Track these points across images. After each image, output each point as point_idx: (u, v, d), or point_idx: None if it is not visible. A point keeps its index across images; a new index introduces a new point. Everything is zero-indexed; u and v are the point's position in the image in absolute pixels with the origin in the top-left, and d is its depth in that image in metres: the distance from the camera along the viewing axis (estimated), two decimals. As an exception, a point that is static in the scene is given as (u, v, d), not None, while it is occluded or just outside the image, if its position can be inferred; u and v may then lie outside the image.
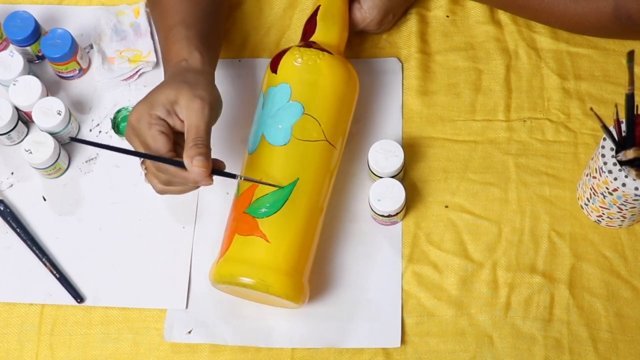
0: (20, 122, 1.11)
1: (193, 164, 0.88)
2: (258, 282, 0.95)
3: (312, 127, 1.00)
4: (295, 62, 1.02)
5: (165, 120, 0.91)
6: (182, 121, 0.92)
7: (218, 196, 1.05)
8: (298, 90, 1.01)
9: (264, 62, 1.13)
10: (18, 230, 1.08)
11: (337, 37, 1.07)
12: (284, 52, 1.05)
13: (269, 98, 1.03)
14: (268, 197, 0.97)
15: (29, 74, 1.12)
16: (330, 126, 1.01)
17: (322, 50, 1.04)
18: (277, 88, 1.02)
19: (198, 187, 0.94)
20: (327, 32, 1.07)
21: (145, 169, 0.95)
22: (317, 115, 1.00)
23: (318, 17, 1.08)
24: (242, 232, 0.97)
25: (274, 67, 1.04)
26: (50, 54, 1.11)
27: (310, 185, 0.99)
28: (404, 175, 1.08)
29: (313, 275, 1.04)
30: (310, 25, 1.08)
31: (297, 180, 0.98)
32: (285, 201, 0.97)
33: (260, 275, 0.95)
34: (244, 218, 0.97)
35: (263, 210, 0.97)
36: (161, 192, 0.95)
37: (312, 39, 1.07)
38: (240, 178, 0.95)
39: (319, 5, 1.08)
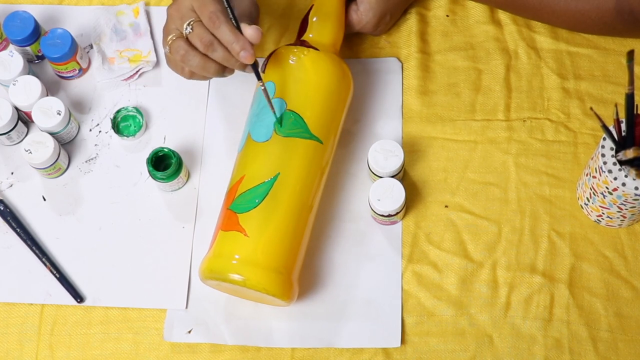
0: (20, 122, 1.11)
1: (250, 26, 0.93)
2: (236, 276, 0.95)
3: (295, 122, 1.00)
4: (280, 60, 1.03)
5: None
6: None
7: (218, 196, 1.05)
8: (282, 87, 1.01)
9: (264, 62, 1.14)
10: (18, 230, 1.08)
11: (329, 35, 1.07)
12: (274, 52, 1.05)
13: (256, 97, 1.05)
14: (249, 193, 0.97)
15: (28, 73, 1.12)
16: (316, 122, 1.01)
17: (310, 47, 1.04)
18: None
19: (224, 72, 0.97)
20: (319, 31, 1.07)
21: (172, 40, 0.96)
22: (301, 111, 1.00)
23: (309, 16, 1.08)
24: (225, 228, 0.98)
25: (263, 67, 1.05)
26: (50, 53, 1.11)
27: (293, 180, 0.98)
28: (403, 175, 1.08)
29: (312, 276, 1.04)
30: (303, 25, 1.09)
31: (278, 175, 0.98)
32: (265, 196, 0.97)
33: (238, 269, 0.95)
34: (228, 214, 0.98)
35: (244, 205, 0.97)
36: (185, 59, 0.96)
37: (304, 37, 1.07)
38: (262, 85, 0.98)
39: (313, 5, 1.09)
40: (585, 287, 1.03)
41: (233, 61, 0.95)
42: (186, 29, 0.95)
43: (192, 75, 0.99)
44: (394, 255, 1.05)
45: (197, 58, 0.96)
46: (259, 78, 0.98)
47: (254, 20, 0.98)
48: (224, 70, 0.98)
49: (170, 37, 0.97)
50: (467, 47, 1.15)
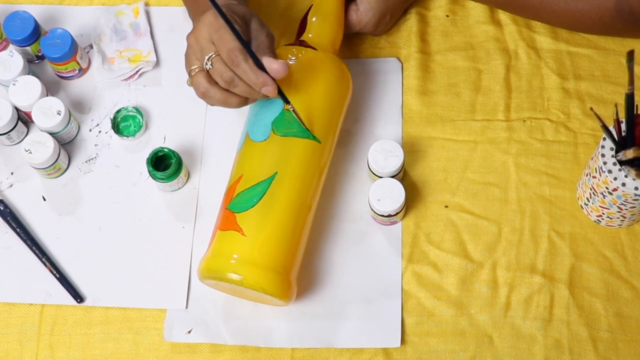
0: (20, 122, 1.11)
1: (276, 61, 0.92)
2: (234, 275, 0.95)
3: (292, 122, 1.00)
4: None
5: (241, 23, 0.93)
6: (249, 39, 0.94)
7: (218, 196, 1.05)
8: (280, 86, 1.01)
9: (264, 62, 1.14)
10: (18, 230, 1.08)
11: (328, 35, 1.07)
12: None
13: None
14: (247, 192, 0.98)
15: (28, 73, 1.12)
16: (314, 121, 1.01)
17: (309, 47, 1.04)
18: None
19: (247, 102, 0.96)
20: (317, 31, 1.07)
21: (194, 74, 0.95)
22: (298, 110, 1.00)
23: (309, 16, 1.08)
24: (222, 228, 0.98)
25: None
26: (50, 53, 1.11)
27: (290, 179, 0.98)
28: (403, 175, 1.08)
29: (312, 275, 1.04)
30: (302, 25, 1.09)
31: (275, 175, 0.98)
32: (263, 195, 0.97)
33: (236, 268, 0.95)
34: (226, 214, 0.98)
35: (241, 204, 0.97)
36: (207, 96, 0.95)
37: (302, 37, 1.07)
38: (290, 107, 0.97)
39: (312, 5, 1.09)
40: (585, 287, 1.03)
41: (255, 93, 0.94)
42: (206, 64, 0.93)
43: (215, 105, 0.98)
44: (394, 255, 1.05)
45: (219, 94, 0.94)
46: (287, 102, 0.97)
47: (273, 50, 0.96)
48: (246, 102, 0.96)
49: (192, 68, 0.95)
50: (467, 47, 1.15)
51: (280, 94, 0.96)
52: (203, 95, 0.95)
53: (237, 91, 0.94)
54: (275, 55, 0.94)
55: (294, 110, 0.98)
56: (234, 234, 0.96)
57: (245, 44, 0.92)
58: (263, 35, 0.95)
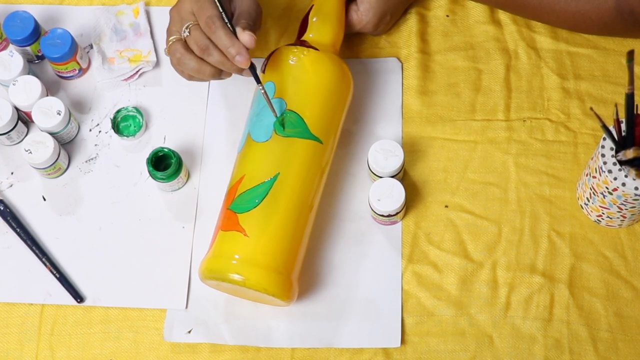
0: (20, 122, 1.11)
1: (244, 32, 0.94)
2: (236, 276, 0.95)
3: (295, 122, 1.00)
4: (280, 60, 1.03)
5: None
6: (232, 12, 0.97)
7: (218, 196, 1.05)
8: (282, 87, 1.02)
9: (264, 62, 1.14)
10: (18, 230, 1.08)
11: (329, 35, 1.07)
12: (273, 52, 1.05)
13: (256, 97, 1.05)
14: (249, 193, 0.98)
15: (28, 73, 1.12)
16: (316, 122, 1.01)
17: (310, 47, 1.04)
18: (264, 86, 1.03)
19: (220, 76, 0.98)
20: (318, 31, 1.07)
21: (171, 42, 0.97)
22: (300, 110, 1.00)
23: (309, 16, 1.08)
24: (224, 228, 0.98)
25: (263, 67, 1.05)
26: (50, 53, 1.11)
27: (293, 180, 0.99)
28: (403, 175, 1.08)
29: (312, 275, 1.04)
30: (303, 25, 1.09)
31: (278, 175, 0.98)
32: (265, 196, 0.97)
33: (238, 269, 0.95)
34: (228, 214, 0.98)
35: (244, 205, 0.97)
36: (181, 63, 0.97)
37: (304, 37, 1.08)
38: (261, 87, 0.99)
39: (313, 5, 1.09)
40: (585, 287, 1.03)
41: (229, 65, 0.96)
42: (184, 32, 0.97)
43: (191, 78, 1.00)
44: (394, 255, 1.05)
45: (193, 62, 0.97)
46: (258, 82, 0.99)
47: (253, 19, 0.98)
48: (220, 74, 0.98)
49: (170, 39, 0.98)
50: (467, 47, 1.15)
51: (252, 69, 0.97)
52: (178, 62, 0.98)
53: (211, 60, 0.96)
54: (250, 27, 0.96)
55: (264, 93, 0.99)
56: (236, 235, 0.96)
57: (225, 12, 0.94)
58: (245, 6, 0.97)
